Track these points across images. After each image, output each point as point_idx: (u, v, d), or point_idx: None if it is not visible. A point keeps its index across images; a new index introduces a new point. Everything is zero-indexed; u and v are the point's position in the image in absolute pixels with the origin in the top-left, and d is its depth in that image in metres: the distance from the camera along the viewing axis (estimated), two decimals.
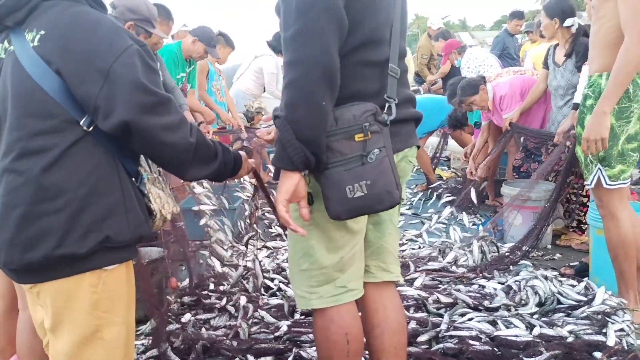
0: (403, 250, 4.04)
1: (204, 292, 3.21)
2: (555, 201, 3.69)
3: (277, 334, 2.71)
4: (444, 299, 3.04)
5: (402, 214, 4.00)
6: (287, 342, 2.63)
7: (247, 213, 4.30)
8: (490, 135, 5.08)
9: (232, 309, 2.99)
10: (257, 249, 3.90)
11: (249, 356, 2.50)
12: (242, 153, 1.81)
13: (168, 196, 1.69)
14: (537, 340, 2.57)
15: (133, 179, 1.56)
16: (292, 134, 1.49)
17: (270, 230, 4.56)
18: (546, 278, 3.21)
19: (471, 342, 2.55)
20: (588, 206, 3.65)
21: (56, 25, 1.46)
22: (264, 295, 3.24)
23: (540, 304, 3.00)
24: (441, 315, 2.87)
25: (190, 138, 1.53)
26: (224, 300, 3.06)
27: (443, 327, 2.69)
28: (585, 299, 2.97)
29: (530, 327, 2.72)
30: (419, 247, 4.18)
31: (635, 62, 2.60)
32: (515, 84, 4.66)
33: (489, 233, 4.11)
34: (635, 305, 2.89)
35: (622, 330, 2.65)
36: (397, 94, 1.67)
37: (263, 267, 3.60)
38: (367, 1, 1.58)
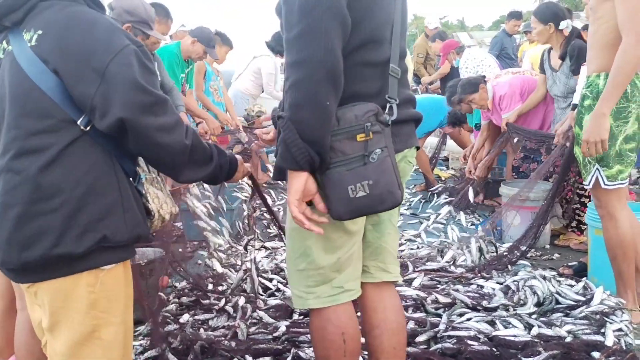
0: (402, 251, 4.04)
1: (201, 293, 3.21)
2: (552, 200, 3.69)
3: (275, 334, 2.70)
4: (443, 299, 3.04)
5: (400, 214, 4.01)
6: (286, 342, 2.63)
7: (245, 213, 4.30)
8: (489, 135, 5.08)
9: (230, 310, 2.99)
10: (256, 249, 3.90)
11: (247, 356, 2.50)
12: (238, 157, 1.82)
13: (166, 196, 1.69)
14: (536, 340, 2.57)
15: (131, 178, 1.56)
16: (296, 134, 1.49)
17: (268, 230, 4.56)
18: (545, 278, 3.22)
19: (470, 342, 2.54)
20: None
21: (54, 25, 1.47)
22: (262, 295, 3.24)
23: (538, 304, 3.00)
24: (440, 316, 2.87)
25: (185, 140, 1.53)
26: (223, 301, 3.06)
27: (441, 327, 2.69)
28: (583, 299, 2.97)
29: (528, 327, 2.72)
30: (418, 247, 4.18)
31: (633, 62, 2.60)
32: (515, 84, 4.66)
33: (487, 233, 4.11)
34: (634, 305, 2.90)
35: (620, 330, 2.65)
36: (398, 95, 1.67)
37: (262, 268, 3.61)
38: (367, 1, 1.58)
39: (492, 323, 2.78)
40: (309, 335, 2.58)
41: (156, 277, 2.93)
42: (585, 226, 3.75)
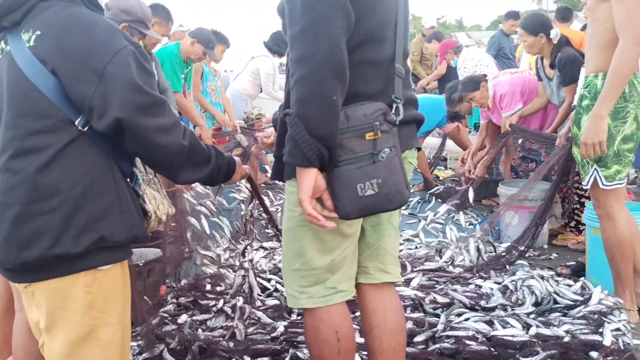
0: (400, 251, 4.04)
1: (199, 293, 3.20)
2: (550, 199, 3.70)
3: (273, 334, 2.70)
4: (441, 299, 3.04)
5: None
6: (284, 342, 2.63)
7: (242, 213, 4.30)
8: (488, 134, 5.09)
9: (228, 310, 2.99)
10: (254, 249, 3.90)
11: (245, 357, 2.49)
12: (236, 158, 1.82)
13: (163, 197, 1.69)
14: (534, 340, 2.57)
15: (128, 179, 1.57)
16: (304, 130, 1.48)
17: (266, 230, 4.55)
18: (542, 278, 3.22)
19: (468, 342, 2.55)
20: None
21: (52, 26, 1.47)
22: (260, 295, 3.23)
23: (536, 304, 3.00)
24: (438, 316, 2.87)
25: (183, 141, 1.53)
26: (221, 302, 3.06)
27: (440, 327, 2.69)
28: (581, 298, 2.98)
29: (526, 327, 2.72)
30: (416, 247, 4.18)
31: (630, 64, 2.61)
32: (516, 83, 4.67)
33: (485, 233, 4.11)
34: (632, 305, 2.90)
35: (618, 329, 2.66)
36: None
37: (260, 268, 3.61)
38: None
39: (490, 323, 2.78)
40: None
41: (154, 277, 2.92)
42: (584, 226, 3.76)
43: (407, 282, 3.33)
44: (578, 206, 4.05)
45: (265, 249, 4.08)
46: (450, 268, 3.62)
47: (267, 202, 5.09)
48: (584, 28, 5.83)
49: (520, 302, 3.00)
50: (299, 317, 2.90)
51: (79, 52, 1.43)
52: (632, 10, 2.54)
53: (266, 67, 6.47)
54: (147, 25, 3.47)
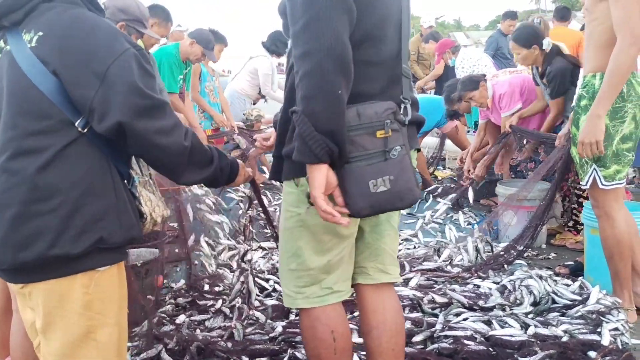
0: (399, 250, 4.03)
1: (197, 294, 3.20)
2: (550, 200, 3.70)
3: (272, 334, 2.70)
4: (439, 299, 3.04)
5: None
6: (282, 343, 2.63)
7: (240, 212, 4.30)
8: (487, 134, 5.09)
9: (227, 310, 2.99)
10: (253, 249, 3.89)
11: (243, 357, 2.49)
12: (239, 161, 1.82)
13: (159, 199, 1.71)
14: (532, 339, 2.57)
15: (125, 181, 1.57)
16: (311, 127, 1.47)
17: (265, 230, 4.55)
18: (541, 277, 3.22)
19: (466, 342, 2.55)
20: None
21: (55, 27, 1.48)
22: (259, 295, 3.23)
23: (535, 304, 3.00)
24: (436, 315, 2.87)
25: (184, 142, 1.54)
26: (219, 302, 3.05)
27: (438, 327, 2.69)
28: (579, 298, 2.98)
29: (525, 326, 2.72)
30: (414, 247, 4.18)
31: (628, 64, 2.61)
32: (515, 83, 4.67)
33: (484, 233, 4.11)
34: (630, 305, 2.90)
35: (616, 329, 2.66)
36: None
37: (258, 268, 3.60)
38: None
39: (488, 323, 2.78)
40: None
41: (152, 277, 2.92)
42: (582, 226, 3.76)
43: (406, 282, 3.33)
44: (576, 206, 4.04)
45: (263, 249, 4.08)
46: (449, 268, 3.62)
47: (265, 202, 5.10)
48: (583, 28, 5.83)
49: (518, 301, 3.00)
50: (297, 317, 2.89)
51: (81, 54, 1.44)
52: (629, 10, 2.54)
53: (264, 68, 6.47)
54: (145, 24, 3.47)
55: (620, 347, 2.56)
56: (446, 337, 2.63)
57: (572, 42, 5.86)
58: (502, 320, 2.79)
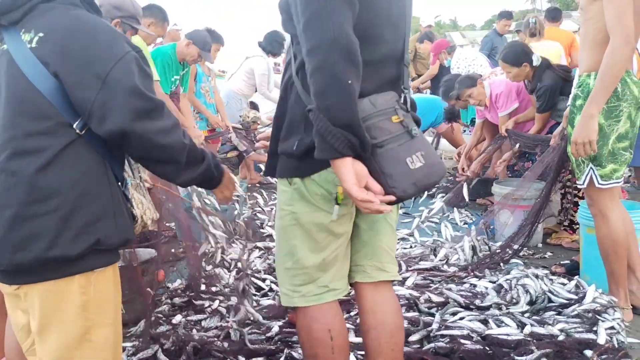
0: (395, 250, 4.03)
1: (193, 294, 3.19)
2: (546, 198, 3.70)
3: (268, 334, 2.70)
4: (436, 298, 3.04)
5: None
6: (279, 342, 2.63)
7: (236, 212, 4.29)
8: (484, 132, 5.10)
9: (223, 310, 2.98)
10: (249, 249, 3.89)
11: (240, 357, 2.49)
12: (223, 166, 1.84)
13: (149, 203, 1.73)
14: (528, 338, 2.58)
15: (119, 183, 1.58)
16: (327, 122, 1.47)
17: (261, 230, 4.55)
18: (537, 276, 3.22)
19: (463, 341, 2.55)
20: None
21: (55, 28, 1.48)
22: (255, 295, 3.23)
23: (531, 303, 3.00)
24: (433, 315, 2.87)
25: (184, 139, 1.56)
26: (216, 302, 3.05)
27: (434, 326, 2.70)
28: (576, 297, 2.98)
29: (521, 325, 2.73)
30: (411, 247, 4.18)
31: (620, 63, 2.61)
32: (512, 82, 4.68)
33: (480, 232, 4.11)
34: (625, 303, 2.91)
35: (612, 328, 2.66)
36: None
37: (255, 268, 3.60)
38: None
39: (485, 322, 2.78)
40: None
41: (150, 276, 2.91)
42: (578, 225, 3.77)
43: (402, 282, 3.33)
44: (572, 205, 4.05)
45: (259, 248, 4.08)
46: (445, 267, 3.63)
47: (260, 201, 5.09)
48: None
49: (514, 300, 3.01)
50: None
51: (82, 57, 1.44)
52: (622, 10, 2.54)
53: (261, 68, 6.47)
54: (139, 20, 3.49)
55: (616, 345, 2.57)
56: (443, 336, 2.64)
57: (566, 43, 5.92)
58: (498, 319, 2.79)
